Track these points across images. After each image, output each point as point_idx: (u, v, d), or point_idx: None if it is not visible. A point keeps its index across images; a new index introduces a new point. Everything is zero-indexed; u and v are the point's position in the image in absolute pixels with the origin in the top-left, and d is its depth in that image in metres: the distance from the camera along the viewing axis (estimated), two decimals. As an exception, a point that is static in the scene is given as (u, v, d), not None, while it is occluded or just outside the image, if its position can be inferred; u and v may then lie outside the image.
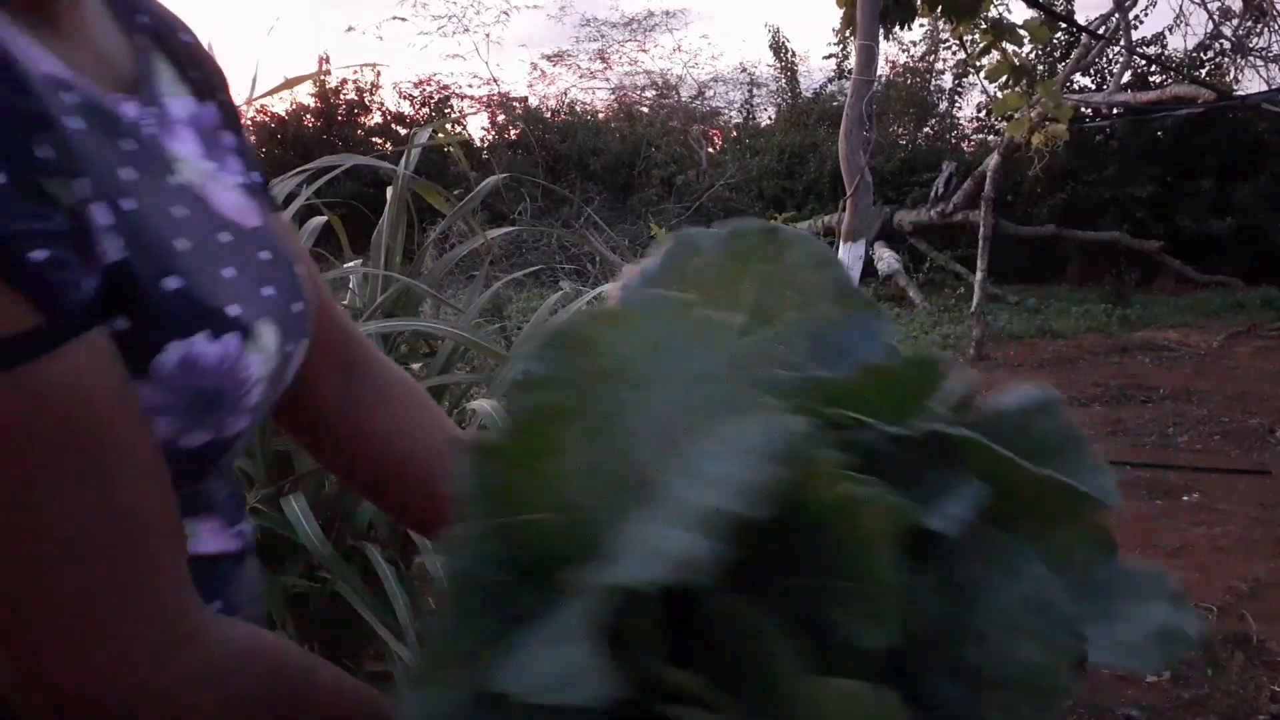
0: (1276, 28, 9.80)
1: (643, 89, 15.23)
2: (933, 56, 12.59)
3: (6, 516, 0.41)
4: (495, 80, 20.82)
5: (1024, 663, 0.34)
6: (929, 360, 0.37)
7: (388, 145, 12.23)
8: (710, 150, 13.17)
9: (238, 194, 0.58)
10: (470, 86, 18.62)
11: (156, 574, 0.44)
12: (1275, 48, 12.64)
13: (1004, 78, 3.43)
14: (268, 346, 0.52)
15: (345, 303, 1.86)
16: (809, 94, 13.77)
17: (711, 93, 15.08)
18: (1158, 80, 10.90)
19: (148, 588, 0.44)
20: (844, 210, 2.67)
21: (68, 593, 0.42)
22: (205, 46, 0.64)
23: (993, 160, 8.05)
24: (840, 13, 2.98)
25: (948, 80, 13.04)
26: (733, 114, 14.89)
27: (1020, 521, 0.37)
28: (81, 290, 0.43)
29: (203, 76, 0.61)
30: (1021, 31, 3.15)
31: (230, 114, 0.62)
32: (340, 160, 1.95)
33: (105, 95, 0.51)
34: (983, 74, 3.71)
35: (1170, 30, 13.75)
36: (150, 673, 0.43)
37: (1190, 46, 12.81)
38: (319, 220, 1.89)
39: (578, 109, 14.01)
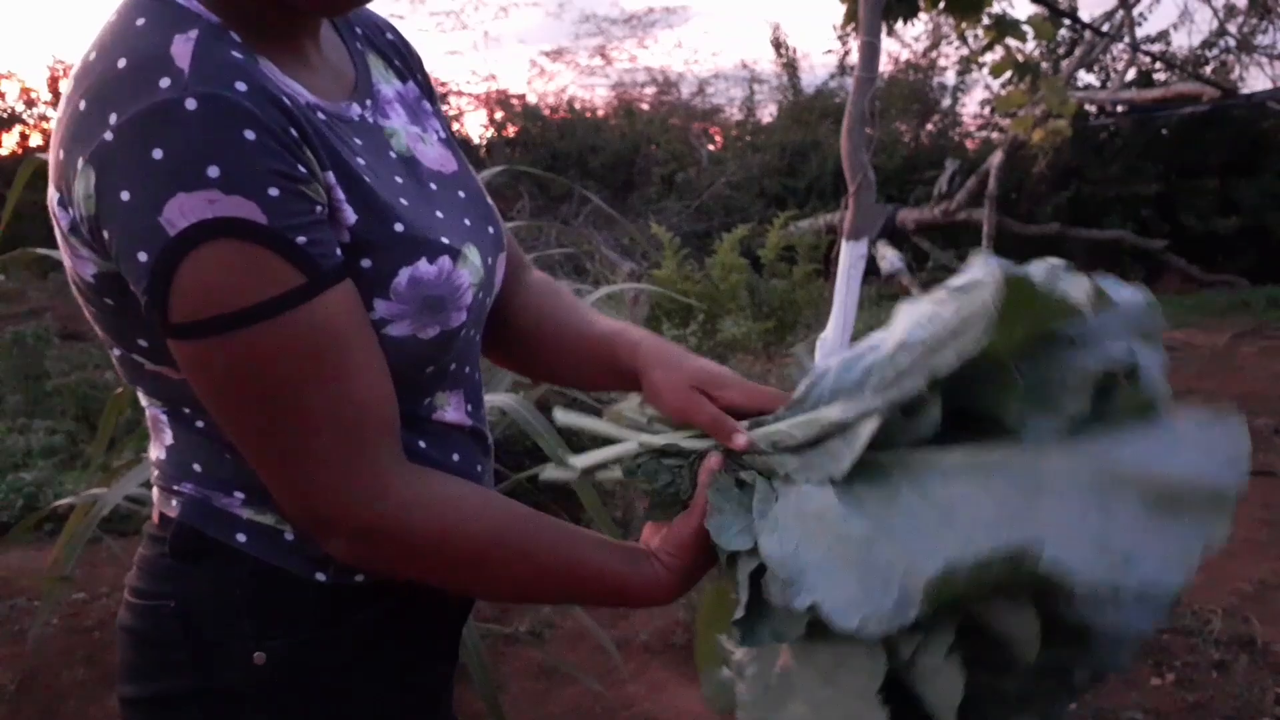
0: (1282, 25, 9.75)
1: (643, 85, 15.20)
2: (935, 53, 12.54)
3: (282, 399, 0.64)
4: (493, 77, 20.79)
5: None
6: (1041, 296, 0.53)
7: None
8: (711, 147, 13.13)
9: (439, 147, 0.81)
10: (468, 84, 18.54)
11: (369, 443, 0.66)
12: (1280, 45, 12.59)
13: (1008, 74, 3.39)
14: (474, 262, 0.74)
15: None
16: (811, 90, 13.73)
17: (712, 89, 15.07)
18: (1162, 78, 10.85)
19: (362, 451, 0.66)
20: (846, 208, 2.63)
21: (312, 449, 0.65)
22: (403, 38, 0.86)
23: (996, 158, 8.03)
24: (842, 9, 2.95)
25: (950, 77, 13.00)
26: (734, 111, 14.85)
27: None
28: (335, 255, 0.65)
29: (404, 62, 0.84)
30: (1025, 27, 3.12)
31: (426, 86, 0.86)
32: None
33: (339, 104, 0.73)
34: (986, 70, 3.68)
35: (1175, 27, 13.73)
36: (353, 508, 0.66)
37: (1195, 44, 12.77)
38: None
39: (577, 106, 13.97)
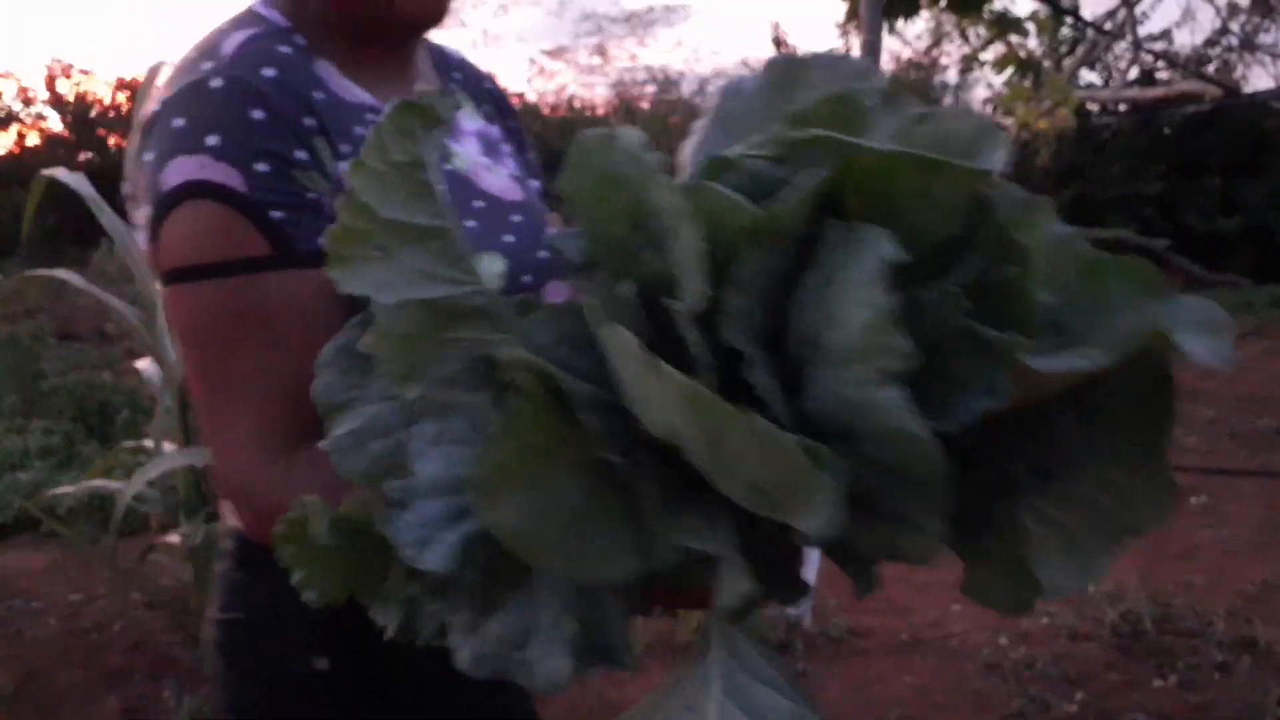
0: (1284, 23, 9.73)
1: (643, 84, 15.20)
2: (937, 50, 12.53)
3: (218, 353, 0.67)
4: (493, 76, 20.75)
5: (857, 328, 0.37)
6: (847, 100, 0.44)
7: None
8: (713, 147, 13.08)
9: (507, 181, 0.85)
10: (473, 83, 18.52)
11: (285, 420, 0.66)
12: (1283, 44, 12.56)
13: (1010, 69, 3.39)
14: (488, 270, 0.76)
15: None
16: (813, 90, 13.71)
17: (713, 88, 15.03)
18: (1165, 77, 10.84)
19: (274, 424, 0.66)
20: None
21: (232, 408, 0.67)
22: (500, 90, 0.97)
23: (997, 157, 8.00)
24: (843, 6, 2.95)
25: (952, 75, 12.99)
26: (736, 110, 14.80)
27: (892, 204, 0.41)
28: (314, 243, 0.66)
29: (492, 109, 0.94)
30: (1027, 23, 3.11)
31: (512, 135, 0.94)
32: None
33: None
34: (989, 68, 3.67)
35: (1177, 26, 13.71)
36: (247, 474, 0.67)
37: (1197, 42, 12.75)
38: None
39: (577, 105, 13.96)
